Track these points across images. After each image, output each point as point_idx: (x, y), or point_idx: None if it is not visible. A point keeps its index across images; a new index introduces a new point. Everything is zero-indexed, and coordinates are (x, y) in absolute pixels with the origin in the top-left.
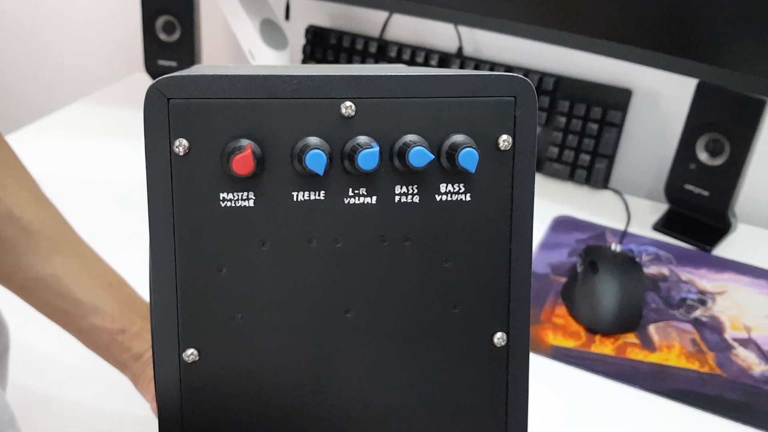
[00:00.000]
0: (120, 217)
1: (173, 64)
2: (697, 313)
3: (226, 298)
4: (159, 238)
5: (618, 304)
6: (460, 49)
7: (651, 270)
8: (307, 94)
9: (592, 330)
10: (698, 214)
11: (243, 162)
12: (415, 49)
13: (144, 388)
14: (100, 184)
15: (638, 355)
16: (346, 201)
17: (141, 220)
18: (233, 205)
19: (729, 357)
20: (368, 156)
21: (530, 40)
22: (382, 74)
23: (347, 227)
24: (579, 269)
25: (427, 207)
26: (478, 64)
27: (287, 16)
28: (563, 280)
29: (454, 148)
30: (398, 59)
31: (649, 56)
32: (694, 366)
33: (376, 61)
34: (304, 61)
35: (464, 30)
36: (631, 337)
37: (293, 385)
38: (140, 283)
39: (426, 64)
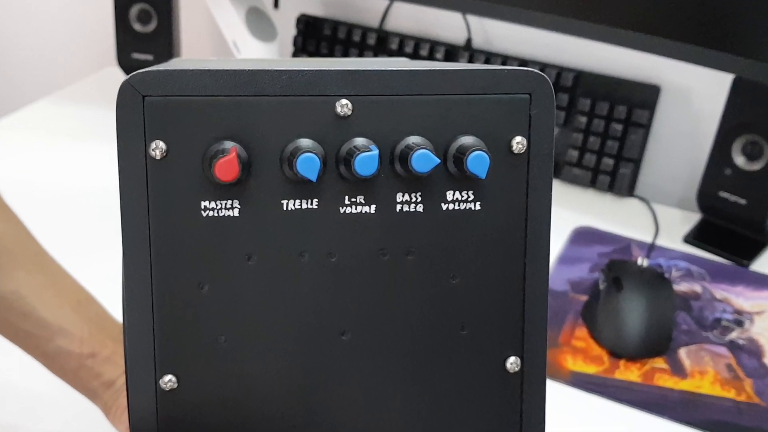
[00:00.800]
0: (90, 229)
1: (149, 57)
2: (733, 335)
3: (208, 318)
4: (133, 252)
5: (645, 325)
6: (468, 40)
7: (682, 287)
8: (298, 91)
9: (616, 354)
10: (734, 224)
11: (227, 167)
12: (418, 41)
13: (116, 419)
14: (67, 192)
15: (667, 382)
16: (341, 210)
17: (113, 232)
18: (216, 214)
19: None
20: (366, 160)
21: (547, 30)
22: (382, 69)
23: (343, 239)
24: (601, 286)
25: (432, 217)
26: (489, 57)
27: (276, 4)
28: (584, 298)
29: (463, 152)
30: (400, 52)
31: (680, 49)
32: (730, 394)
33: (376, 55)
34: (295, 54)
35: (473, 19)
36: (659, 362)
37: (282, 416)
38: (112, 301)
39: (431, 57)
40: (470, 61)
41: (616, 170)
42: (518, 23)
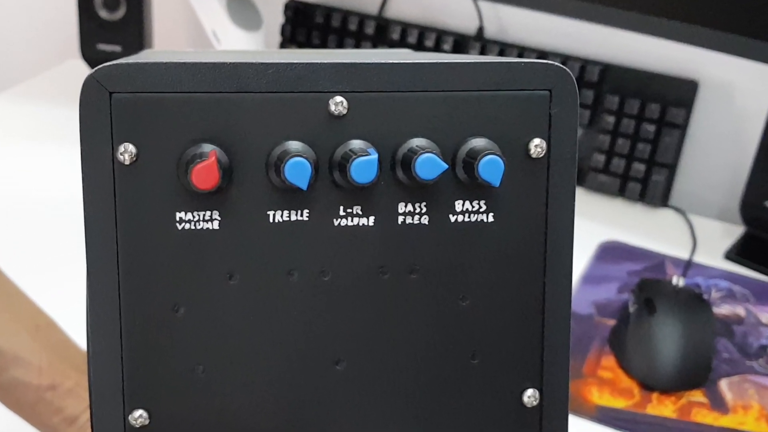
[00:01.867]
0: (50, 243)
1: (117, 48)
2: None
3: (184, 345)
4: (99, 270)
5: (681, 353)
6: (480, 29)
7: (722, 310)
8: (286, 87)
9: (649, 386)
10: None
11: (205, 173)
12: (423, 30)
13: None
14: (23, 201)
15: (706, 417)
16: (335, 222)
17: (76, 247)
18: (193, 227)
19: None
20: (364, 165)
21: (570, 18)
22: (382, 62)
23: (337, 256)
24: (631, 309)
25: (438, 230)
26: (504, 48)
27: None
28: (611, 322)
29: (473, 156)
30: (402, 43)
31: (721, 39)
32: None
33: (375, 46)
34: (283, 45)
35: (486, 5)
36: (697, 395)
37: None
38: (75, 326)
39: (437, 49)
40: (482, 52)
41: (648, 177)
42: (537, 9)
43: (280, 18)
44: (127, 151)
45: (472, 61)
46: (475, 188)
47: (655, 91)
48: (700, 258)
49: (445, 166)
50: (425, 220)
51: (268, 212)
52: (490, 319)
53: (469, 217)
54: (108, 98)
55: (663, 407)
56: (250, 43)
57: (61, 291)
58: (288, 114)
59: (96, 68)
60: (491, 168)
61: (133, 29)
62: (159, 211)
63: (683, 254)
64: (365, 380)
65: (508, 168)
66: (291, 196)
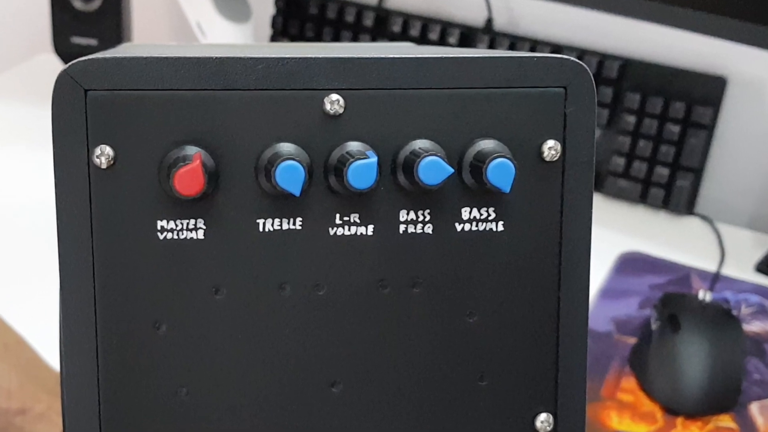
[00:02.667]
0: (19, 254)
1: (92, 42)
2: None
3: (166, 366)
4: (73, 284)
5: (708, 374)
6: (489, 21)
7: (753, 327)
8: (277, 84)
9: (673, 410)
10: None
11: (189, 178)
12: (426, 22)
13: None
14: None
15: None
16: (331, 232)
17: (48, 258)
18: (175, 237)
19: None
20: (362, 169)
21: (586, 8)
22: (382, 56)
23: (333, 268)
24: (654, 326)
25: (443, 240)
26: (514, 42)
27: None
28: (632, 341)
29: (482, 159)
30: (404, 36)
31: (751, 31)
32: None
33: (374, 39)
34: (274, 38)
35: None
36: (725, 420)
37: None
38: (48, 345)
39: (442, 42)
40: (491, 46)
41: (671, 182)
42: None
43: (270, 9)
44: (103, 154)
45: (480, 55)
46: (484, 194)
47: (679, 88)
48: (728, 270)
49: (451, 170)
50: (429, 229)
51: (258, 220)
52: (500, 337)
53: (476, 225)
54: (83, 96)
55: None
56: (238, 36)
57: (31, 306)
58: (279, 113)
59: (70, 63)
60: (501, 172)
61: (111, 21)
62: (139, 219)
63: (710, 266)
64: (363, 404)
65: (520, 172)
66: (282, 203)
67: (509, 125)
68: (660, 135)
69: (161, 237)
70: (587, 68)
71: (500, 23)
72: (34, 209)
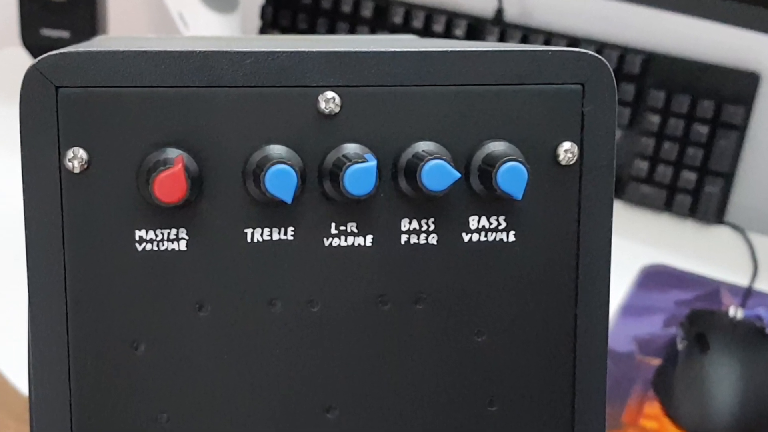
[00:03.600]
0: None
1: (64, 34)
2: None
3: (146, 389)
4: (43, 300)
5: (739, 398)
6: (499, 11)
7: None
8: (267, 81)
9: None
10: None
11: (170, 183)
12: (431, 13)
13: None
14: None
15: None
16: (326, 242)
17: (16, 271)
18: (155, 248)
19: None
20: (360, 174)
21: None
22: (381, 50)
23: (328, 283)
24: (680, 346)
25: (449, 252)
26: (527, 34)
27: None
28: (656, 362)
29: (491, 163)
30: (406, 28)
31: None
32: None
33: (373, 31)
34: (263, 30)
35: None
36: None
37: None
38: (14, 366)
39: (448, 35)
40: (501, 39)
41: (699, 188)
42: None
43: None
44: (76, 157)
45: (490, 49)
46: (493, 202)
47: (708, 85)
48: (762, 285)
49: (458, 175)
50: (433, 239)
51: (246, 230)
52: (511, 359)
53: (485, 236)
54: (54, 94)
55: None
56: (224, 28)
57: None
58: (269, 113)
59: (40, 58)
60: (512, 177)
61: (84, 11)
62: (115, 228)
63: (742, 280)
64: (360, 431)
65: (533, 177)
66: (273, 211)
67: (521, 126)
68: (687, 136)
69: (140, 248)
70: (607, 63)
71: (511, 14)
72: (1, 218)
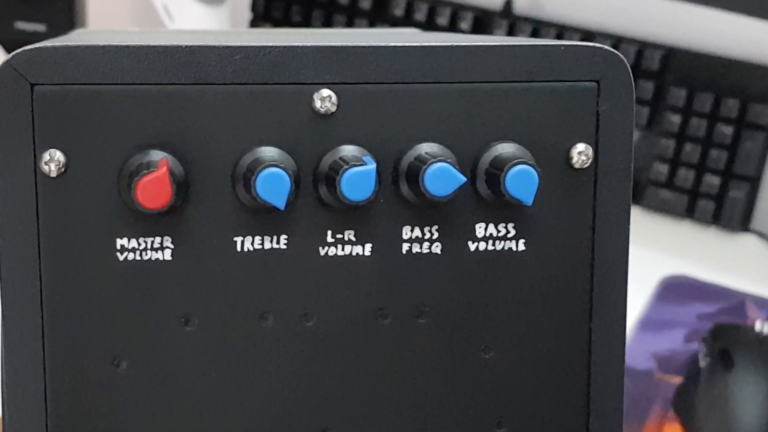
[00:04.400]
0: None
1: (40, 28)
2: None
3: (128, 409)
4: (17, 314)
5: (766, 419)
6: (508, 3)
7: None
8: (258, 78)
9: None
10: None
11: (154, 188)
12: (434, 5)
13: None
14: None
15: None
16: (322, 252)
17: None
18: (138, 257)
19: None
20: (359, 178)
21: None
22: (381, 45)
23: (324, 295)
24: (703, 363)
25: (454, 262)
26: (538, 28)
27: None
28: (677, 380)
29: (499, 166)
30: (407, 21)
31: None
32: None
33: (372, 24)
34: (254, 23)
35: None
36: None
37: None
38: None
39: (453, 28)
40: (510, 33)
41: (723, 193)
42: None
43: None
44: (53, 160)
45: (498, 43)
46: (502, 208)
47: (732, 82)
48: None
49: (463, 179)
50: (437, 248)
51: (235, 238)
52: (521, 376)
53: (493, 244)
54: (29, 92)
55: None
56: (212, 20)
57: None
58: (261, 112)
59: (14, 53)
60: (522, 182)
61: (61, 3)
62: (95, 236)
63: None
64: None
65: (544, 182)
66: (264, 218)
67: (532, 126)
68: (710, 137)
69: (121, 258)
70: (624, 59)
71: (521, 6)
72: None
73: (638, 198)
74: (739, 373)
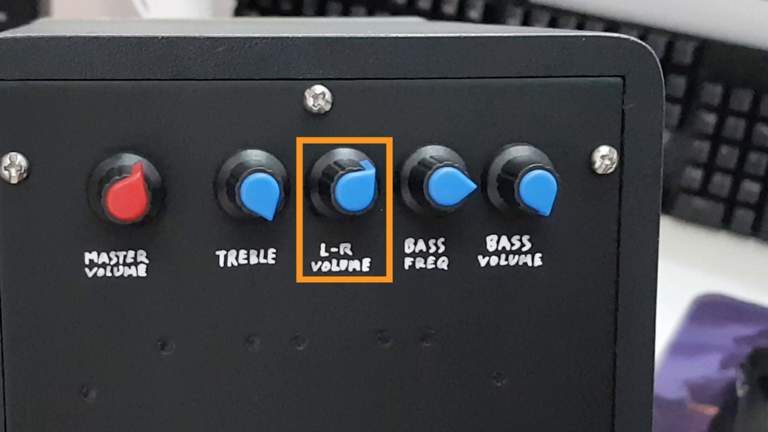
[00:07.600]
0: None
1: (0, 17)
2: None
3: None
4: None
5: None
6: None
7: None
8: (243, 73)
9: None
10: None
11: (127, 196)
12: None
13: None
14: None
15: None
16: (314, 267)
17: None
18: (109, 274)
19: None
20: (356, 185)
21: None
22: (381, 36)
23: (317, 316)
24: (740, 392)
25: (462, 278)
26: (556, 17)
27: None
28: (712, 410)
29: (513, 172)
30: (410, 9)
31: None
32: None
33: (371, 12)
34: (239, 11)
35: None
36: None
37: None
38: None
39: (461, 18)
40: (525, 23)
41: (763, 202)
42: None
43: None
44: (13, 165)
45: (512, 35)
46: (516, 218)
47: None
48: None
49: (473, 186)
50: (443, 263)
51: (218, 252)
52: (537, 407)
53: (506, 259)
54: None
55: None
56: (192, 8)
57: None
58: (246, 111)
59: None
60: (538, 189)
61: None
62: (60, 250)
63: None
64: None
65: (563, 189)
66: (251, 230)
67: (549, 127)
68: (748, 139)
69: (90, 274)
70: (652, 51)
71: None
72: None
73: (668, 207)
74: None
